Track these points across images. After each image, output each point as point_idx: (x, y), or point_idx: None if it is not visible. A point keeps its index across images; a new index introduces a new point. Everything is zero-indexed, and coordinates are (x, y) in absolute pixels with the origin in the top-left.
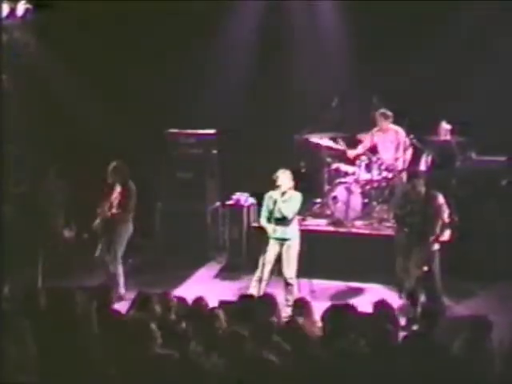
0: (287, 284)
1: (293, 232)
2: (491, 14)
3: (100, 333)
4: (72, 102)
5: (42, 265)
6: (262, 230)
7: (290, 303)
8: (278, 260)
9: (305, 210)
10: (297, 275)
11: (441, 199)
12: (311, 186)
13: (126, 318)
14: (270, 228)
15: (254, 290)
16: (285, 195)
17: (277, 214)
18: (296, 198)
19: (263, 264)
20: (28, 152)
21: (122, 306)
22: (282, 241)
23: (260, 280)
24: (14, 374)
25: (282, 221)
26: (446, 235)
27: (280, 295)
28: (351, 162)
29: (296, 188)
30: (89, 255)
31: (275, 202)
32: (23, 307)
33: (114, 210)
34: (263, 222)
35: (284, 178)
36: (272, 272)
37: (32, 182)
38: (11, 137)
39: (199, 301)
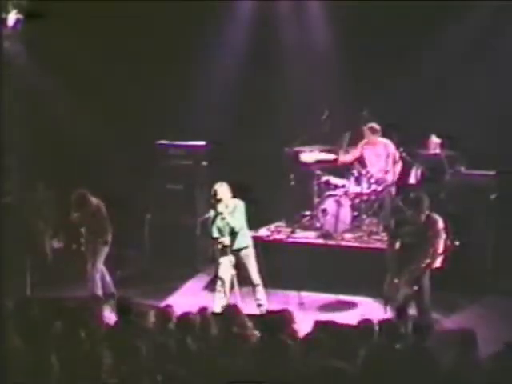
0: (254, 286)
1: (247, 239)
2: (480, 25)
3: (87, 343)
4: (61, 115)
5: (30, 275)
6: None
7: (262, 302)
8: (237, 268)
9: (293, 222)
10: (285, 287)
11: (441, 224)
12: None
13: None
14: (226, 240)
15: (220, 302)
16: (229, 207)
17: (227, 228)
18: (240, 208)
19: (227, 277)
20: (16, 164)
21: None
22: (239, 251)
23: (226, 292)
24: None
25: (234, 232)
26: (439, 262)
27: (250, 299)
28: (341, 174)
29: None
30: (77, 266)
31: (220, 215)
32: (12, 318)
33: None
34: (217, 235)
35: (223, 190)
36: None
37: (21, 194)
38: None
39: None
